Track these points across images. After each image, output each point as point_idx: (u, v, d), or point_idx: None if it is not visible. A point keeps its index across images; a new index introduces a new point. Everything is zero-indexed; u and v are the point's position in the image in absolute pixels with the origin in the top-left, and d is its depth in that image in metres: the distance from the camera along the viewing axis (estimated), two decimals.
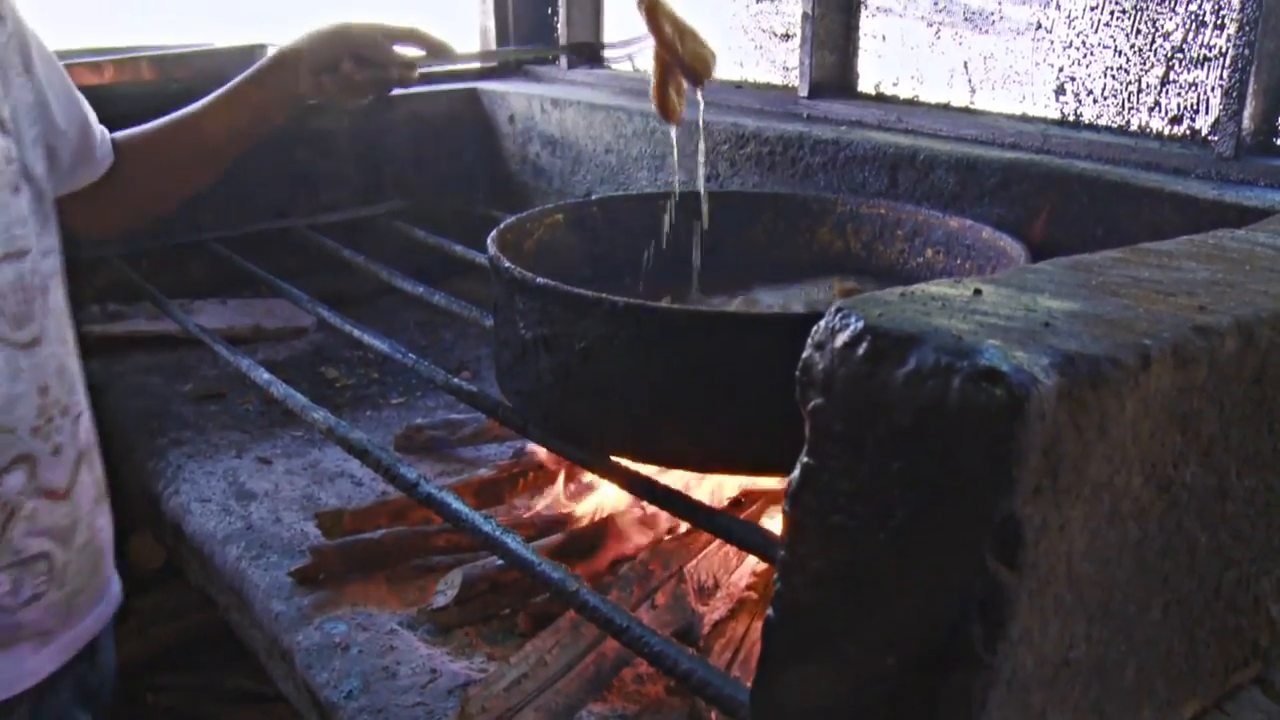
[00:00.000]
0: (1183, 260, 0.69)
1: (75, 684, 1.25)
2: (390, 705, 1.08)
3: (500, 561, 1.24)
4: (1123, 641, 0.57)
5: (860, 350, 0.49)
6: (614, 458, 1.12)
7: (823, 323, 0.53)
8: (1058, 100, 1.67)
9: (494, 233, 1.34)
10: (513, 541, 1.01)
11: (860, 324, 0.50)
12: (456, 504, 1.09)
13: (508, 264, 1.21)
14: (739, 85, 2.09)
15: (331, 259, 2.04)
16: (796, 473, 0.54)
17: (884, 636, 0.51)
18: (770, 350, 0.87)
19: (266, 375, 1.48)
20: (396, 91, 1.53)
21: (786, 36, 2.02)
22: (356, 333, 1.60)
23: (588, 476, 1.46)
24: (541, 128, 2.26)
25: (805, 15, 1.88)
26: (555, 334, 1.16)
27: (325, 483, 1.56)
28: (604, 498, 1.42)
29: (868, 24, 1.91)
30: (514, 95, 2.33)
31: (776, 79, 2.06)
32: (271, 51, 1.49)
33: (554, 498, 1.47)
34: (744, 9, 2.08)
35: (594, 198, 1.72)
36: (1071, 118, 1.65)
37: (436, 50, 1.50)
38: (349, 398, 1.87)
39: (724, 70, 2.10)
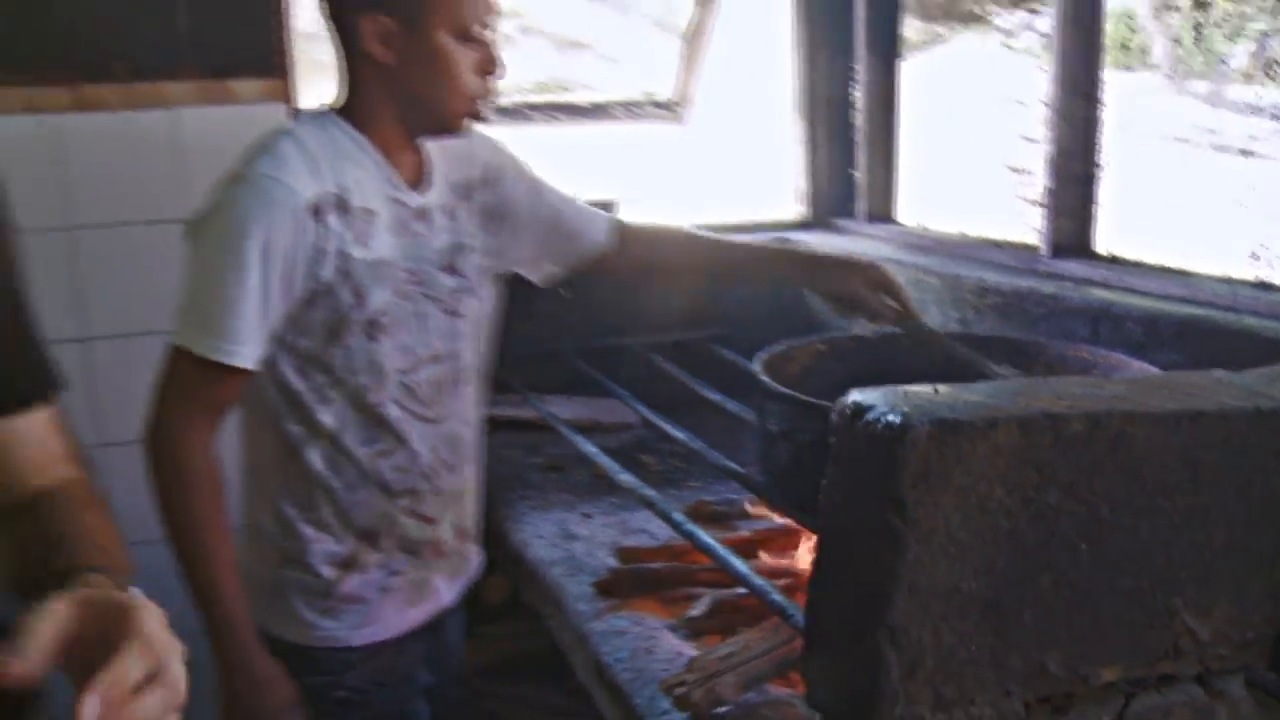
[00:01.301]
0: (1125, 384, 1.12)
1: (427, 646, 1.87)
2: (644, 668, 1.61)
3: (743, 590, 1.74)
4: (1014, 593, 1.01)
5: (847, 411, 0.99)
6: None
7: (844, 399, 1.03)
8: (1252, 264, 2.01)
9: (762, 356, 1.87)
10: (754, 576, 1.52)
11: (850, 399, 1.00)
12: (720, 549, 1.62)
13: (763, 378, 1.73)
14: (998, 244, 2.53)
15: (657, 371, 2.65)
16: (825, 480, 1.04)
17: (852, 573, 0.99)
18: None
19: (595, 450, 2.08)
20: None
21: (1038, 203, 2.45)
22: (669, 429, 2.18)
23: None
24: None
25: (1047, 188, 2.31)
26: (791, 429, 1.67)
27: (629, 534, 2.13)
28: None
29: (1106, 193, 2.31)
30: (817, 246, 2.88)
31: (1031, 239, 2.49)
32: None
33: (795, 555, 1.95)
34: (1005, 178, 2.53)
35: (853, 333, 2.22)
36: (1262, 280, 1.98)
37: (906, 316, 1.92)
38: (657, 479, 2.43)
39: (987, 228, 2.55)
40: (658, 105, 3.55)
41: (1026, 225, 2.48)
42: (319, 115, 1.69)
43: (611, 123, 3.46)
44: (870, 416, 0.96)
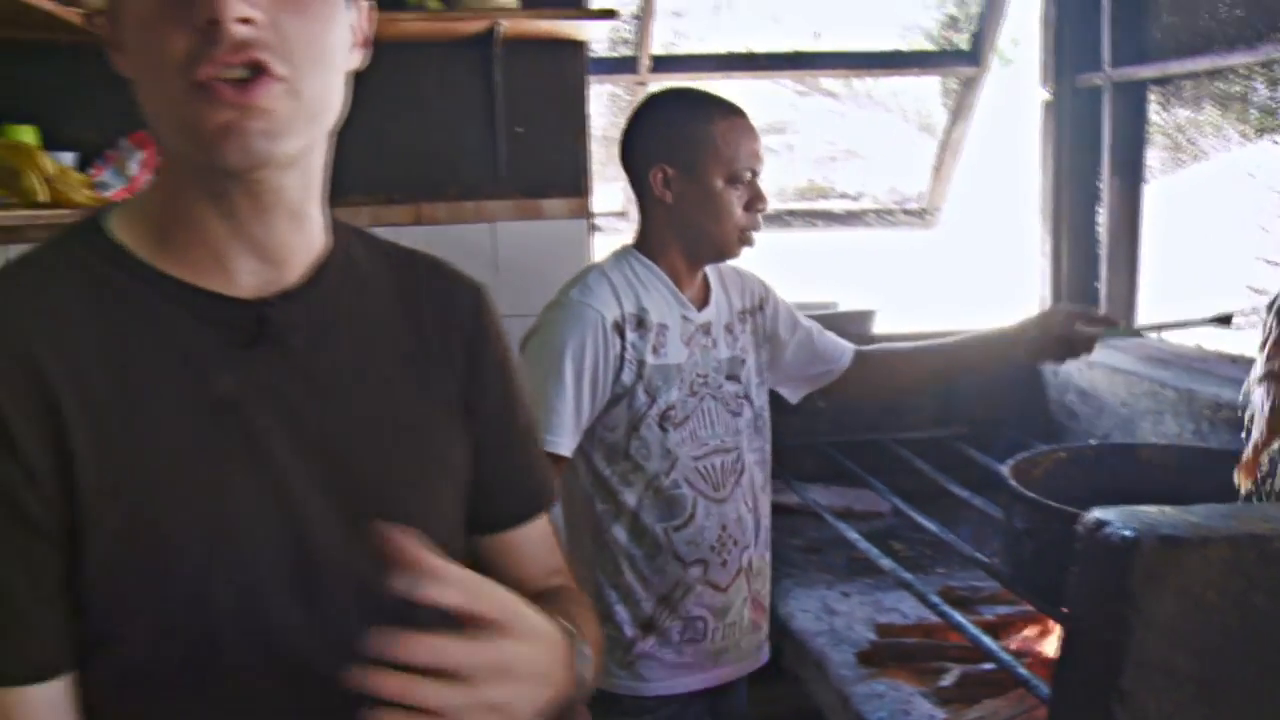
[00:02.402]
0: None
1: (711, 705, 2.21)
2: None
3: (989, 665, 2.03)
4: (1223, 674, 1.29)
5: (1091, 525, 1.31)
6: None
7: (1088, 514, 1.34)
8: None
9: (1011, 461, 2.17)
10: (1002, 652, 1.83)
11: (1091, 515, 1.31)
12: (971, 627, 1.93)
13: (1012, 482, 2.04)
14: (1233, 359, 2.75)
15: (906, 465, 2.96)
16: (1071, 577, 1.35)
17: (1091, 649, 1.30)
18: None
19: (857, 536, 2.42)
20: None
21: None
22: (919, 519, 2.50)
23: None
24: (1076, 381, 3.06)
25: None
26: (1035, 528, 1.97)
27: (883, 611, 2.45)
28: None
29: None
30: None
31: None
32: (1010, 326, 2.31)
33: (1034, 637, 2.23)
34: (1244, 296, 2.75)
35: (1091, 443, 2.48)
36: None
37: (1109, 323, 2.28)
38: (907, 564, 2.72)
39: (1223, 344, 2.77)
40: (908, 212, 3.90)
41: None
42: (620, 252, 2.13)
43: (865, 228, 3.82)
44: (1109, 530, 1.28)
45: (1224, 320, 2.52)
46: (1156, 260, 3.18)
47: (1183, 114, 2.99)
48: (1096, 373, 2.98)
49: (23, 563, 0.88)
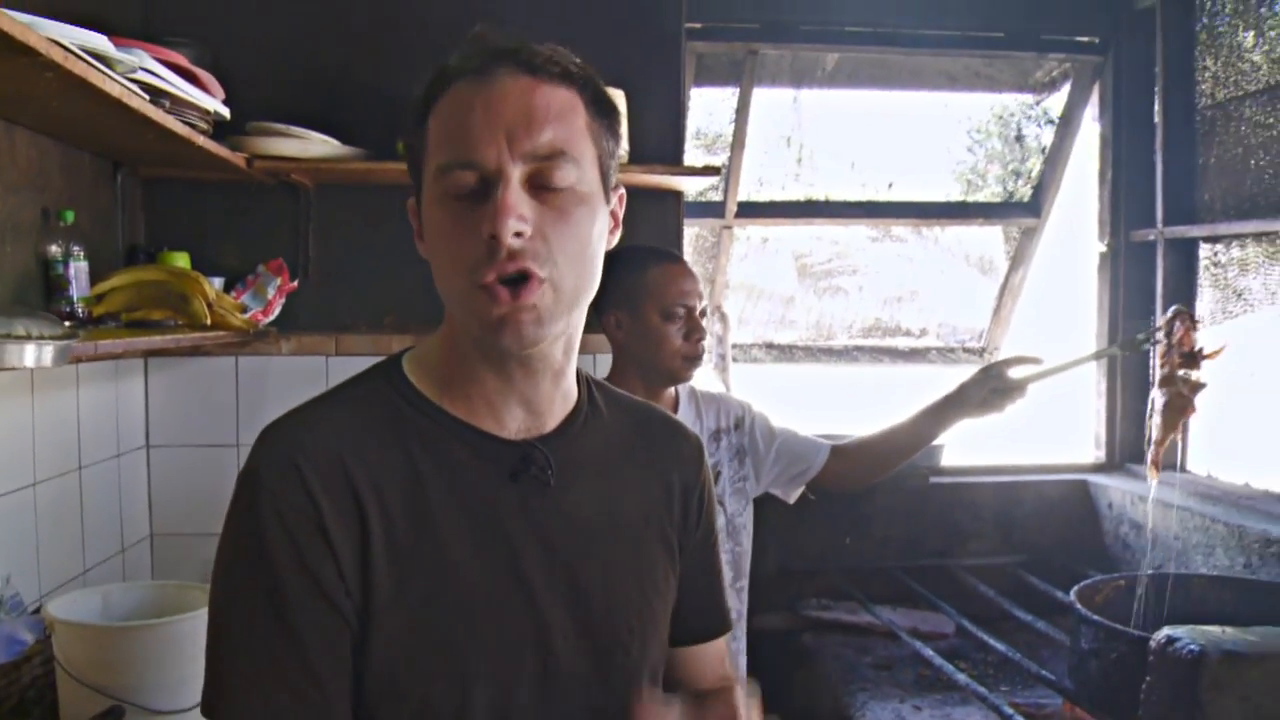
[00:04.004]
0: None
1: None
2: None
3: None
4: None
5: (1163, 640, 1.55)
6: None
7: (1160, 632, 1.59)
8: None
9: (1076, 588, 2.42)
10: None
11: (1163, 633, 1.56)
12: None
13: (1079, 607, 2.28)
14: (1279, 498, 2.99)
15: (970, 589, 3.19)
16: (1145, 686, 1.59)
17: None
18: None
19: (931, 654, 2.64)
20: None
21: None
22: (986, 638, 2.72)
23: None
24: (1129, 514, 3.30)
25: None
26: (1100, 648, 2.20)
27: None
28: None
29: None
30: (1113, 488, 3.40)
31: None
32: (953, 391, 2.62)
33: None
34: None
35: (1149, 573, 2.71)
36: None
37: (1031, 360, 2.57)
38: (974, 682, 2.95)
39: (1271, 482, 3.00)
40: (968, 350, 4.18)
41: None
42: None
43: (928, 365, 4.10)
44: (1178, 645, 1.52)
45: (1131, 345, 2.80)
46: (1207, 404, 3.42)
47: (1232, 270, 3.27)
48: (1150, 507, 3.22)
49: (323, 633, 1.07)
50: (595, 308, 2.53)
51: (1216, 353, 2.28)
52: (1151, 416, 2.33)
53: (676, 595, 1.32)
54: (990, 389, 2.51)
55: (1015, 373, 2.53)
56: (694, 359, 2.41)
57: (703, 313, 2.45)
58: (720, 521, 2.42)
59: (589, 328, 1.27)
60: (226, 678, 1.06)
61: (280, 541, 1.06)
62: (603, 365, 3.40)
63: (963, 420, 2.61)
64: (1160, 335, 2.37)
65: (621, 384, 2.47)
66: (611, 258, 2.58)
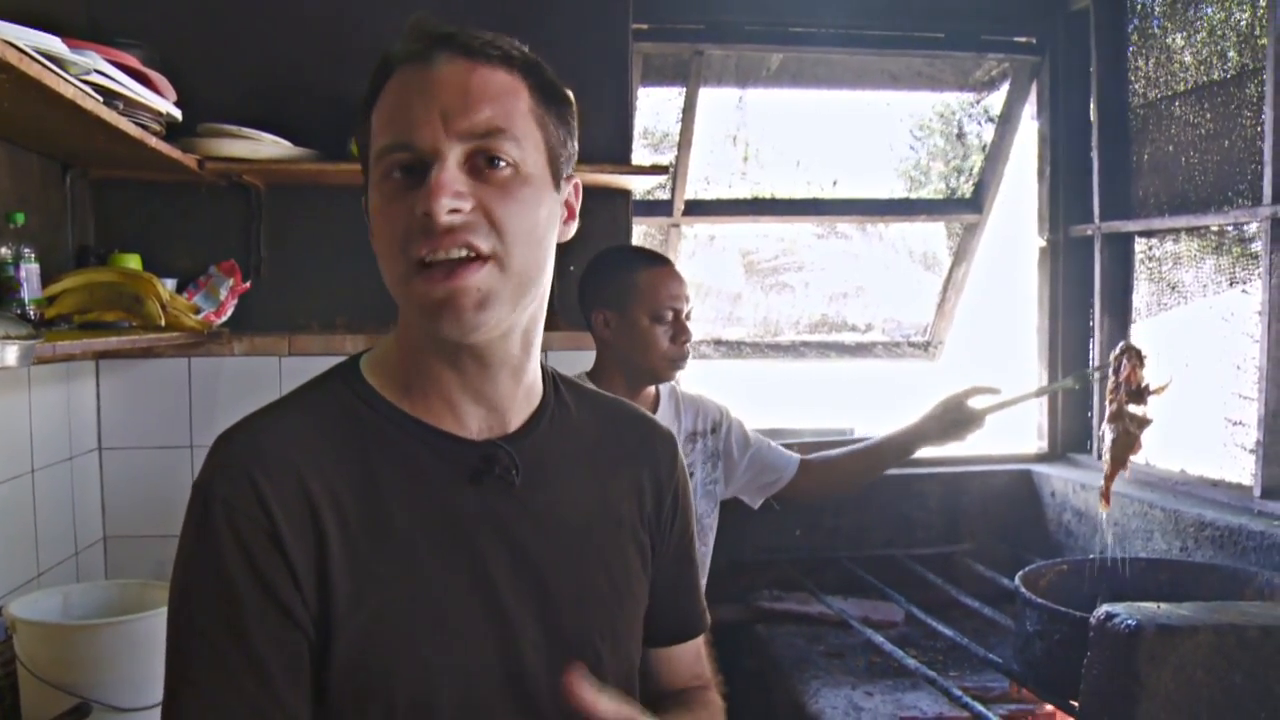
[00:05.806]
0: None
1: None
2: None
3: None
4: None
5: (1102, 617, 1.64)
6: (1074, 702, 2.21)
7: (1099, 610, 1.67)
8: None
9: (1021, 573, 2.50)
10: None
11: (1102, 610, 1.64)
12: (992, 717, 2.23)
13: (1024, 591, 2.36)
14: (1214, 483, 3.10)
15: (918, 578, 3.28)
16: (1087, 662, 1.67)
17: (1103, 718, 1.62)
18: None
19: (882, 640, 2.72)
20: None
21: (1251, 451, 3.01)
22: (935, 625, 2.81)
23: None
24: (1072, 502, 3.40)
25: (1257, 440, 2.89)
26: (1045, 630, 2.28)
27: (904, 708, 2.75)
28: None
29: None
30: (1055, 477, 3.51)
31: (1244, 479, 3.03)
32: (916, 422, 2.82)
33: None
34: (1224, 428, 3.11)
35: (1090, 557, 2.81)
36: None
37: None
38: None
39: (1205, 468, 3.12)
40: (913, 345, 4.27)
41: (1241, 468, 3.04)
42: (577, 378, 2.52)
43: (874, 359, 4.19)
44: (1117, 620, 1.60)
45: (1081, 379, 2.90)
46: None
47: (1167, 264, 3.39)
48: (1090, 494, 3.32)
49: (279, 645, 1.05)
50: (583, 304, 2.69)
51: (1162, 388, 2.38)
52: (1102, 455, 2.44)
53: (651, 596, 1.31)
54: (950, 420, 2.62)
55: (974, 403, 2.66)
56: (679, 361, 2.49)
57: (688, 315, 2.51)
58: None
59: (551, 324, 1.26)
60: (182, 691, 1.05)
61: (234, 553, 1.04)
62: (558, 362, 3.47)
63: (924, 447, 2.72)
64: (1110, 371, 2.48)
65: (604, 381, 2.57)
66: (601, 257, 2.68)
